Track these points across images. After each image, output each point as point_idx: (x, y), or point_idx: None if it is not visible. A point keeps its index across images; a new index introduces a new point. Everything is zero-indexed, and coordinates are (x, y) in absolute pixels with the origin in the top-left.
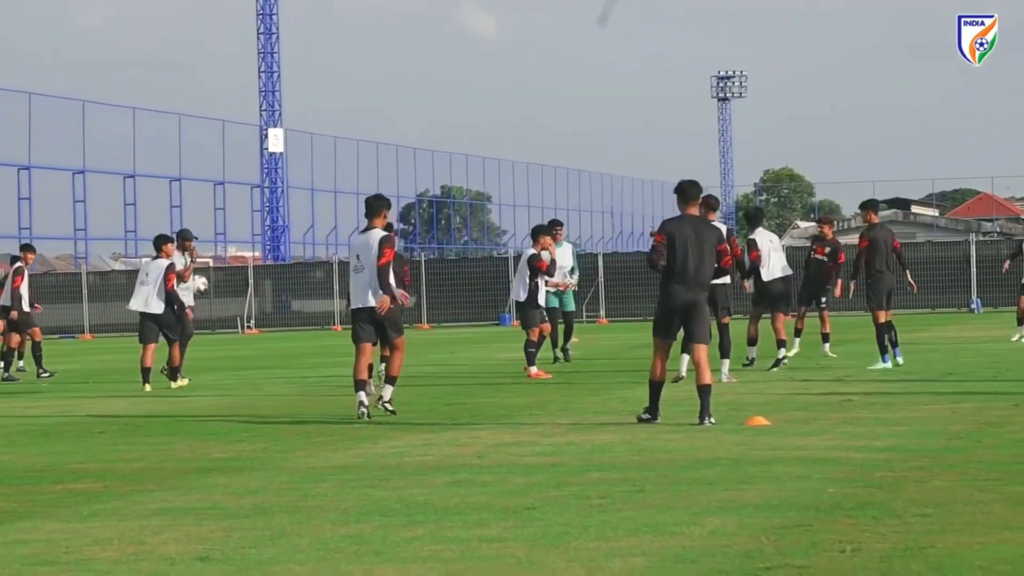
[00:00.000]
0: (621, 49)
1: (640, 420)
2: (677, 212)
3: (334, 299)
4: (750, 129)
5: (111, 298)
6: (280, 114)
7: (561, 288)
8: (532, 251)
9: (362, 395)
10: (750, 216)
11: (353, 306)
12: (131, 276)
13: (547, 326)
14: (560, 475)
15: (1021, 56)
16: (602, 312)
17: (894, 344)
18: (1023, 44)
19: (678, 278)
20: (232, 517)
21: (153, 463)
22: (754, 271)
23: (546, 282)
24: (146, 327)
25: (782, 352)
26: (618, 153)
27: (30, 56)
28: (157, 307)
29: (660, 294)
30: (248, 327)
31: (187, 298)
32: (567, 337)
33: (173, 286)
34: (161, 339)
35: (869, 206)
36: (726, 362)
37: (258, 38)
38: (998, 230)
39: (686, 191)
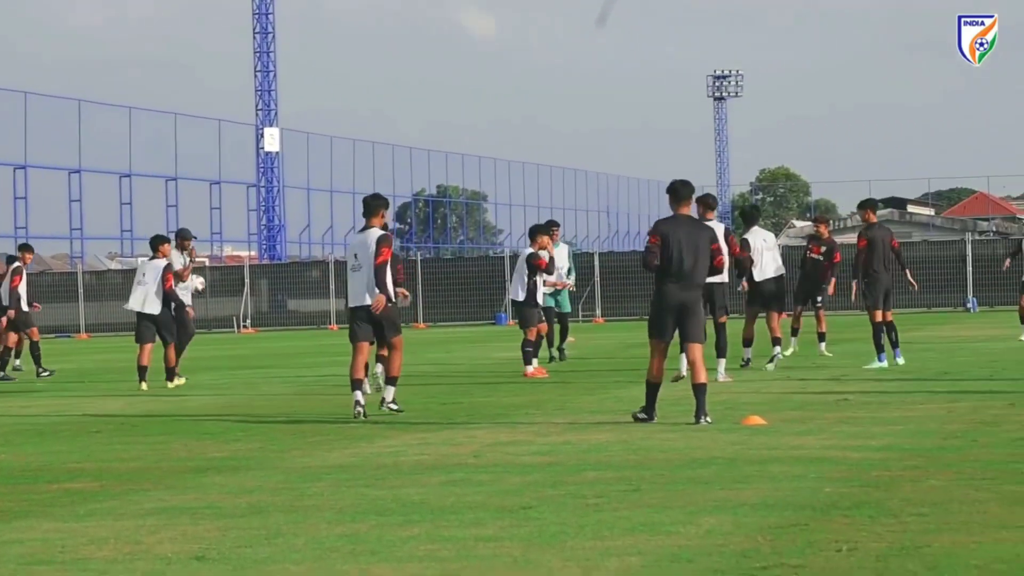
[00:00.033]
0: (618, 49)
1: (636, 419)
2: (672, 212)
3: (330, 298)
4: (746, 128)
5: (107, 297)
6: (276, 113)
7: (559, 287)
8: (530, 250)
9: (358, 394)
10: (746, 215)
11: (351, 305)
12: (127, 275)
13: (543, 326)
14: (556, 474)
15: (1020, 56)
16: (598, 311)
17: (895, 345)
18: (1023, 44)
19: (672, 278)
20: (228, 516)
21: (149, 462)
22: (743, 271)
23: (544, 281)
24: (143, 327)
25: (777, 349)
26: (614, 152)
27: (26, 55)
28: (154, 307)
29: (655, 294)
30: (244, 326)
31: (185, 297)
32: (563, 337)
33: (171, 286)
34: (158, 340)
35: (867, 205)
36: (722, 362)
37: (254, 37)
38: (994, 229)
39: (678, 191)
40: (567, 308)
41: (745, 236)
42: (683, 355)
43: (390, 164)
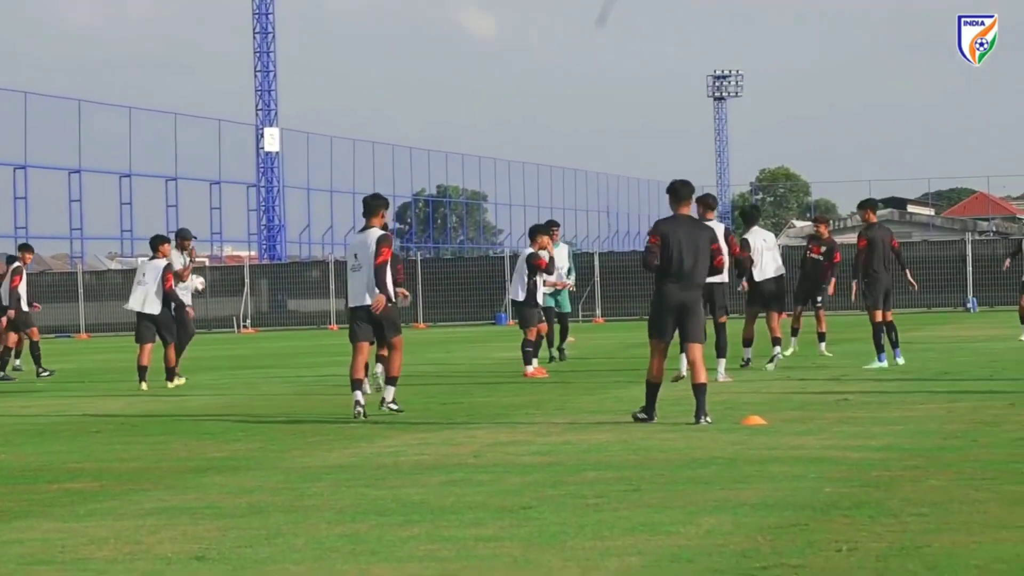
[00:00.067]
0: (617, 49)
1: (636, 419)
2: (672, 212)
3: (330, 298)
4: (746, 128)
5: (107, 297)
6: (276, 113)
7: (558, 287)
8: (530, 250)
9: (358, 394)
10: (746, 215)
11: (351, 305)
12: (127, 275)
13: (544, 326)
14: (556, 474)
15: (1020, 56)
16: (598, 311)
17: (895, 345)
18: (1023, 44)
19: (672, 278)
20: (228, 516)
21: (149, 462)
22: (742, 271)
23: (544, 281)
24: (143, 327)
25: (777, 349)
26: (614, 152)
27: (26, 55)
28: (154, 307)
29: (655, 294)
30: (244, 326)
31: (185, 297)
32: (563, 337)
33: (172, 286)
34: (158, 340)
35: (868, 205)
36: (722, 361)
37: (254, 37)
38: (994, 229)
39: (678, 191)
40: (567, 308)
41: (745, 236)
42: (683, 355)
43: (390, 164)
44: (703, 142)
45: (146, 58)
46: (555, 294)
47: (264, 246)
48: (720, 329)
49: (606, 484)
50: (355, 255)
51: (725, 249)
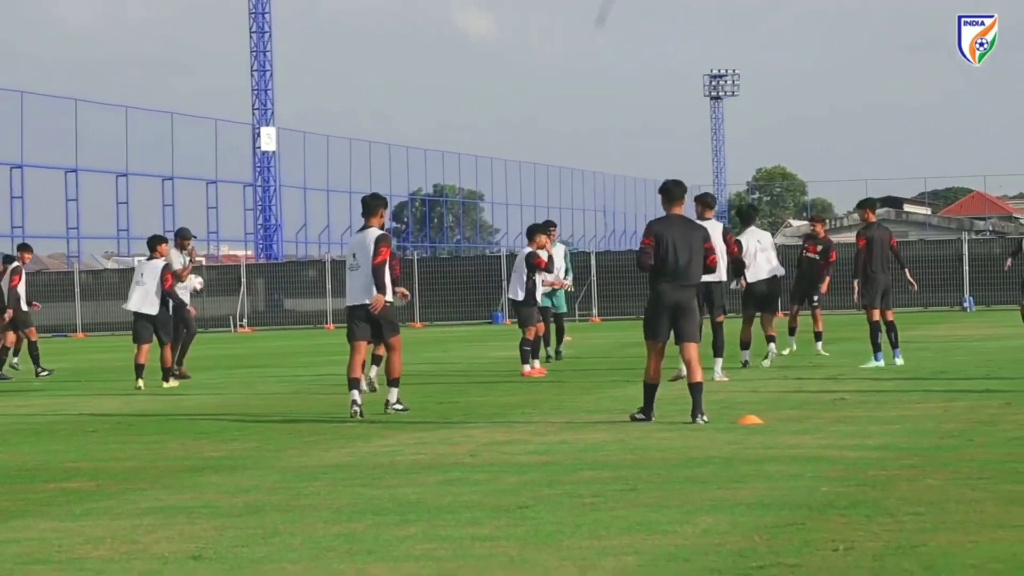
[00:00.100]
0: (614, 48)
1: (634, 419)
2: (664, 212)
3: (327, 298)
4: (743, 128)
5: (103, 297)
6: (273, 113)
7: (556, 287)
8: (529, 249)
9: (355, 393)
10: (743, 215)
11: (348, 304)
12: (123, 275)
13: (541, 325)
14: (553, 474)
15: (1018, 56)
16: (594, 311)
17: (894, 345)
18: (1022, 44)
19: (667, 277)
20: (225, 516)
21: (145, 462)
22: (740, 271)
23: (543, 280)
24: (140, 327)
25: (771, 346)
26: (611, 152)
27: (23, 55)
28: (153, 307)
29: (650, 294)
30: (241, 326)
31: (184, 297)
32: (559, 337)
33: (171, 286)
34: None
35: (867, 205)
36: (719, 361)
37: (251, 37)
38: (990, 228)
39: (670, 191)
40: (563, 308)
41: (739, 237)
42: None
43: (387, 163)
44: (700, 141)
45: (143, 58)
46: (551, 294)
47: (260, 245)
48: (717, 328)
49: (603, 483)
50: (353, 255)
51: (723, 248)
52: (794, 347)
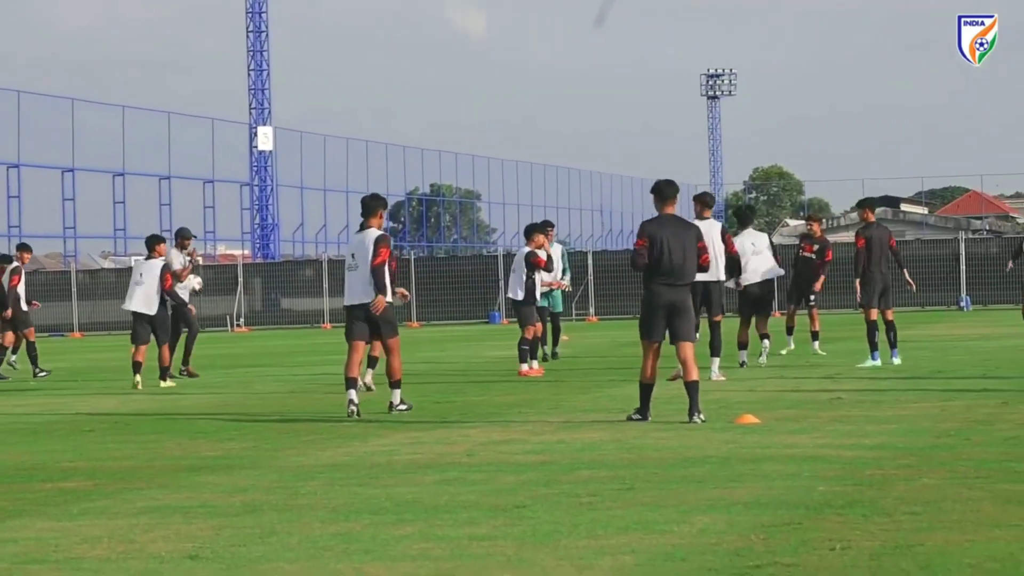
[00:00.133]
0: (611, 47)
1: (631, 420)
2: (657, 212)
3: (323, 297)
4: (740, 127)
5: (100, 296)
6: (270, 112)
7: (554, 287)
8: (528, 249)
9: (352, 393)
10: (740, 216)
11: (346, 303)
12: (120, 274)
13: (539, 325)
14: (550, 473)
15: (1018, 56)
16: (591, 310)
17: (892, 345)
18: (1022, 44)
19: (661, 277)
20: (222, 515)
21: (142, 461)
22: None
23: (541, 280)
24: (140, 327)
25: (766, 343)
26: (608, 151)
27: (20, 54)
28: (152, 307)
29: (644, 293)
30: (237, 325)
31: (184, 296)
32: (555, 336)
33: (171, 286)
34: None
35: (866, 204)
36: (716, 360)
37: (247, 36)
38: (987, 228)
39: (662, 190)
40: (559, 307)
41: (735, 239)
42: None
43: (383, 163)
44: (696, 141)
45: (140, 57)
46: (547, 294)
47: (257, 245)
48: (715, 328)
49: (600, 483)
50: (352, 255)
51: (721, 248)
52: (792, 346)
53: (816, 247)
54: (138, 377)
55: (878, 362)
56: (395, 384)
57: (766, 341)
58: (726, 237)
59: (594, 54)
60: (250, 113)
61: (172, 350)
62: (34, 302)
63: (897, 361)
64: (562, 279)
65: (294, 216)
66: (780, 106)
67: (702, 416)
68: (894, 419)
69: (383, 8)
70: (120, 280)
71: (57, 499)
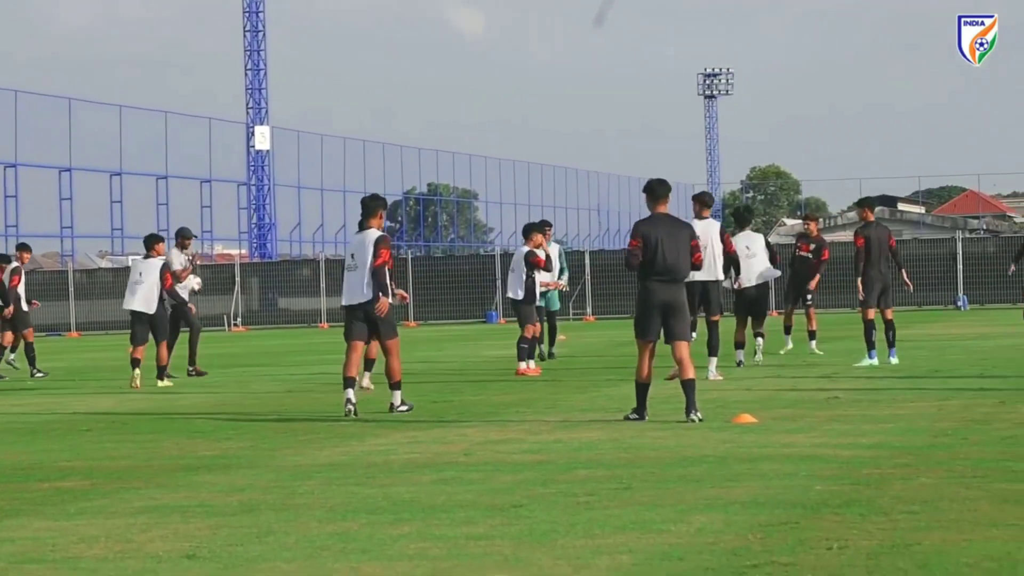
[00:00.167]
0: (607, 47)
1: (628, 420)
2: (649, 211)
3: (321, 297)
4: (737, 127)
5: (98, 296)
6: (267, 112)
7: (551, 287)
8: (527, 248)
9: (350, 392)
10: (737, 217)
11: (345, 303)
12: (118, 274)
13: (538, 325)
14: (547, 473)
15: (1018, 56)
16: (588, 309)
17: (891, 344)
18: (1022, 44)
19: (656, 275)
20: (219, 515)
21: (140, 461)
22: (737, 269)
23: (540, 280)
24: (138, 327)
25: (760, 341)
26: (604, 151)
27: (17, 54)
28: (151, 307)
29: (639, 293)
30: (235, 325)
31: (183, 295)
32: (552, 336)
33: (171, 285)
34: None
35: (865, 204)
36: (713, 360)
37: (245, 36)
38: (984, 227)
39: (655, 190)
40: (556, 307)
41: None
42: None
43: (381, 162)
44: (693, 140)
45: (137, 57)
46: (544, 293)
47: (255, 244)
48: (712, 327)
49: (597, 482)
50: (352, 255)
51: (720, 248)
52: (789, 346)
53: (813, 246)
54: (137, 371)
55: (875, 361)
56: (395, 385)
57: (760, 339)
58: (725, 237)
59: (593, 54)
60: (247, 113)
61: (171, 349)
62: (34, 301)
63: (895, 360)
64: (559, 279)
65: (291, 216)
66: (777, 106)
67: (699, 415)
68: (891, 418)
69: (381, 8)
70: (117, 280)
71: (54, 498)
